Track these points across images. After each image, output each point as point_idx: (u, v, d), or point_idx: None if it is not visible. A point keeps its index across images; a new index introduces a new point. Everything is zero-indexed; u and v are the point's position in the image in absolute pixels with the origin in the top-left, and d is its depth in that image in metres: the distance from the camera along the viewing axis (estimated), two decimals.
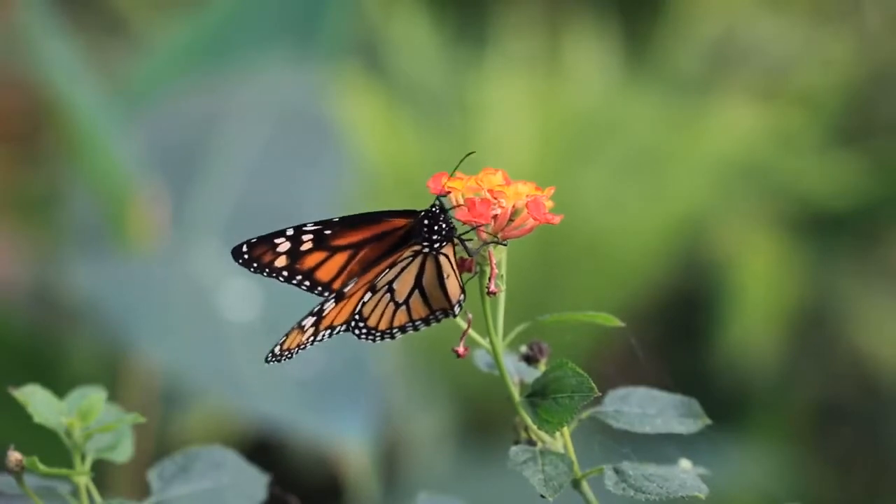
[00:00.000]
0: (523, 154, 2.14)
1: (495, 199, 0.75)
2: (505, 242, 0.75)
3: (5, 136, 2.30)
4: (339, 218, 0.79)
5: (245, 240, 0.79)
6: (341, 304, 0.77)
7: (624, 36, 2.38)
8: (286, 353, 0.77)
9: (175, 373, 1.69)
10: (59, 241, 1.88)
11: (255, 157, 1.82)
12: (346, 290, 0.77)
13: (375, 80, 2.27)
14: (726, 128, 2.25)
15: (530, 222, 0.75)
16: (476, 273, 0.76)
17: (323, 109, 1.86)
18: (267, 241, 0.79)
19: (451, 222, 0.77)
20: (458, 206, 0.75)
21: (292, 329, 0.77)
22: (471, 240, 0.76)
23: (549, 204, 0.75)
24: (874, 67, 2.43)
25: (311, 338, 0.78)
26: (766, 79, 2.46)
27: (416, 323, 0.78)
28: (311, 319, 0.77)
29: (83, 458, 0.78)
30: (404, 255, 0.77)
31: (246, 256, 0.79)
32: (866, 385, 2.25)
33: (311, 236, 0.78)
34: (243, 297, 1.64)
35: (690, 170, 2.20)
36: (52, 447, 0.82)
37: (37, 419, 0.77)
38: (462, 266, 0.76)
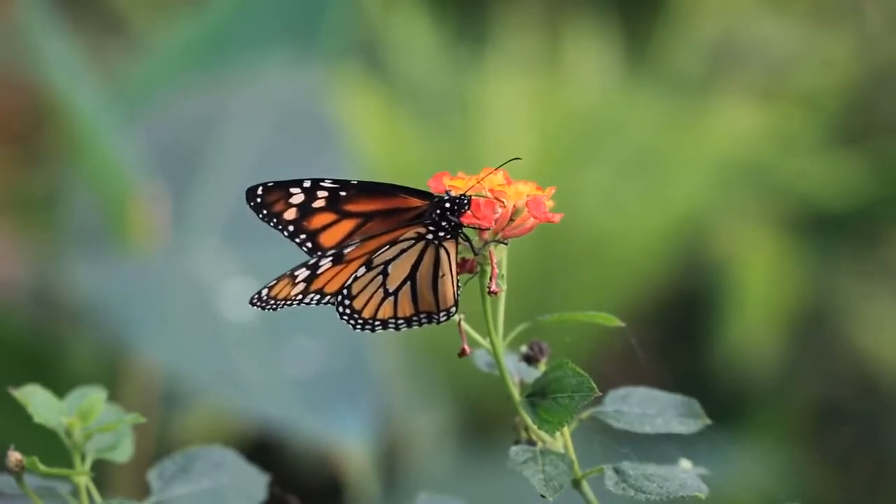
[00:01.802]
0: (523, 153, 2.14)
1: (497, 199, 0.75)
2: (506, 242, 0.75)
3: (5, 136, 2.30)
4: (358, 181, 0.78)
5: (262, 182, 0.78)
6: (337, 269, 0.76)
7: (624, 36, 2.38)
8: (272, 301, 0.76)
9: (175, 373, 1.69)
10: (59, 241, 1.88)
11: (255, 156, 1.82)
12: (346, 251, 0.76)
13: (375, 80, 2.27)
14: (726, 128, 2.25)
15: (531, 221, 0.75)
16: (477, 273, 0.76)
17: (323, 109, 1.86)
18: (283, 187, 0.78)
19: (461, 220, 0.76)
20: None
21: (283, 275, 0.76)
22: (472, 239, 0.76)
23: (550, 203, 0.75)
24: (874, 67, 2.43)
25: (300, 296, 0.76)
26: (766, 79, 2.46)
27: (399, 321, 0.77)
28: (305, 273, 0.76)
29: (83, 458, 0.77)
30: (408, 235, 0.76)
31: (259, 200, 0.79)
32: (866, 385, 2.25)
33: (325, 194, 0.78)
34: (243, 297, 1.64)
35: (691, 170, 2.20)
36: (52, 447, 0.82)
37: (37, 419, 0.77)
38: (464, 267, 0.76)
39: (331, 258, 0.76)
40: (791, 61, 2.45)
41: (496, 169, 0.76)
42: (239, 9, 1.98)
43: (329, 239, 0.78)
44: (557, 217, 0.75)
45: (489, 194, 0.75)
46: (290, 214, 0.78)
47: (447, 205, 0.75)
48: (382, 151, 2.13)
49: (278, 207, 0.78)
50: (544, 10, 2.45)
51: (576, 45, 2.33)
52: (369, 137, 2.11)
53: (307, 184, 0.78)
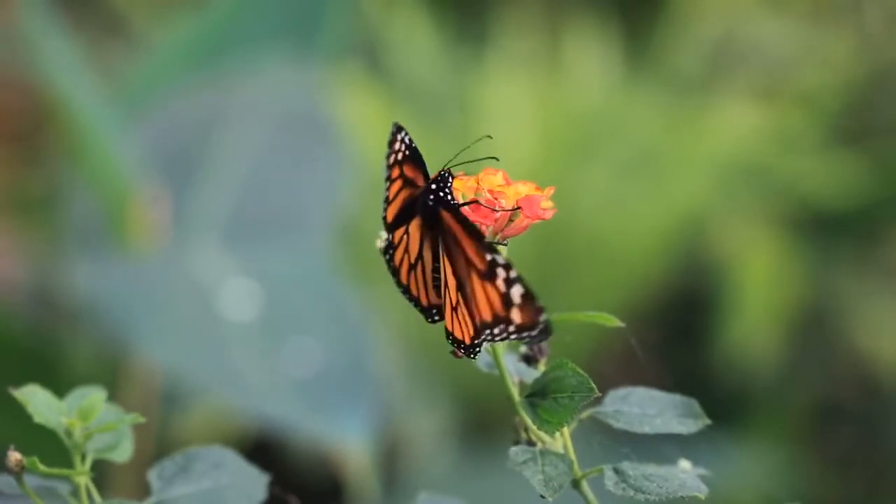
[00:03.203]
0: (523, 154, 2.14)
1: (496, 199, 0.74)
2: (505, 242, 0.75)
3: (5, 135, 2.30)
4: (414, 147, 0.76)
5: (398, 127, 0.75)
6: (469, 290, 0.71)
7: (624, 36, 2.38)
8: (473, 346, 0.71)
9: (175, 373, 1.69)
10: (59, 241, 1.88)
11: (255, 157, 1.82)
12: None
13: (375, 80, 2.27)
14: (727, 128, 2.25)
15: (525, 220, 0.75)
16: None
17: (323, 109, 1.86)
18: (394, 136, 0.76)
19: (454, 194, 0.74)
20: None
21: (452, 320, 0.71)
22: None
23: (549, 204, 0.75)
24: (874, 67, 2.43)
25: (489, 329, 0.70)
26: (766, 79, 2.46)
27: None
28: (452, 303, 0.70)
29: (83, 458, 0.77)
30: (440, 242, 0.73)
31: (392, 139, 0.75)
32: (866, 385, 2.25)
33: (403, 147, 0.76)
34: (243, 297, 1.65)
35: (691, 170, 2.20)
36: (52, 447, 0.82)
37: (37, 419, 0.77)
38: None
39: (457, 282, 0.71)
40: (791, 61, 2.45)
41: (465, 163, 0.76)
42: (239, 9, 1.98)
43: (394, 204, 0.75)
44: (549, 214, 0.74)
45: (488, 195, 0.75)
46: (395, 172, 0.76)
47: (433, 186, 0.75)
48: (382, 151, 2.13)
49: (397, 150, 0.75)
50: (544, 10, 2.45)
51: (576, 45, 2.33)
52: (369, 137, 2.11)
53: (402, 135, 0.76)
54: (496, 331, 0.70)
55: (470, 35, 2.41)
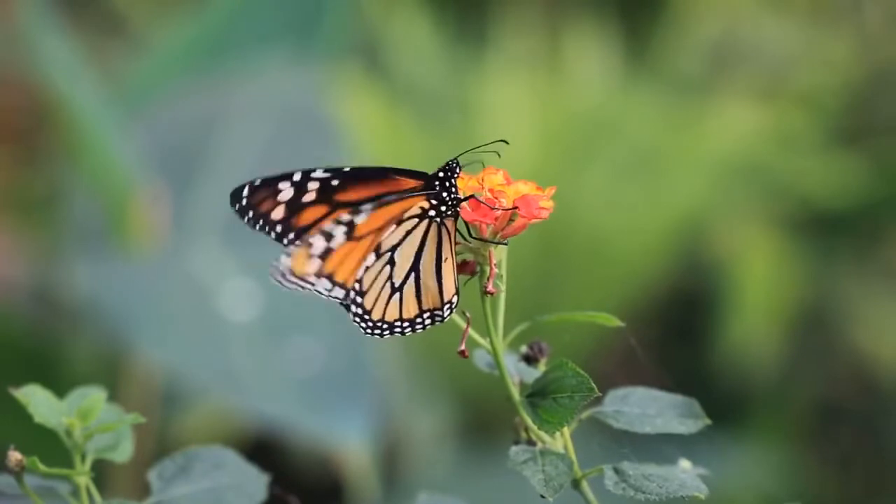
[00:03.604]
0: (523, 154, 2.14)
1: (496, 198, 0.74)
2: (506, 242, 0.75)
3: (5, 135, 2.30)
4: (350, 168, 0.74)
5: (248, 181, 0.73)
6: (349, 247, 0.71)
7: (624, 36, 2.38)
8: (292, 278, 0.70)
9: (175, 373, 1.69)
10: (59, 241, 1.88)
11: (256, 157, 1.82)
12: (357, 220, 0.71)
13: (375, 80, 2.27)
14: (726, 128, 2.25)
15: (523, 220, 0.75)
16: (477, 273, 0.76)
17: (323, 109, 1.86)
18: (271, 184, 0.73)
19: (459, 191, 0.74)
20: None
21: (300, 247, 0.70)
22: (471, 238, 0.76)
23: (548, 203, 0.75)
24: (874, 67, 2.43)
25: (314, 277, 0.70)
26: (766, 79, 2.46)
27: (404, 324, 0.73)
28: (321, 245, 0.70)
29: (83, 458, 0.77)
30: (412, 212, 0.72)
31: (245, 202, 0.73)
32: (866, 385, 2.25)
33: (317, 185, 0.73)
34: (243, 297, 1.65)
35: (690, 170, 2.20)
36: (52, 447, 0.82)
37: (37, 419, 0.77)
38: (464, 268, 0.76)
39: (345, 227, 0.71)
40: (791, 61, 2.45)
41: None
42: (239, 9, 1.98)
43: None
44: (546, 213, 0.74)
45: (489, 194, 0.75)
46: (278, 213, 0.73)
47: (440, 174, 0.74)
48: (383, 151, 2.13)
49: (265, 207, 0.73)
50: (544, 10, 2.45)
51: (576, 45, 2.33)
52: (369, 137, 2.12)
53: (297, 176, 0.73)
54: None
55: (470, 35, 2.41)
